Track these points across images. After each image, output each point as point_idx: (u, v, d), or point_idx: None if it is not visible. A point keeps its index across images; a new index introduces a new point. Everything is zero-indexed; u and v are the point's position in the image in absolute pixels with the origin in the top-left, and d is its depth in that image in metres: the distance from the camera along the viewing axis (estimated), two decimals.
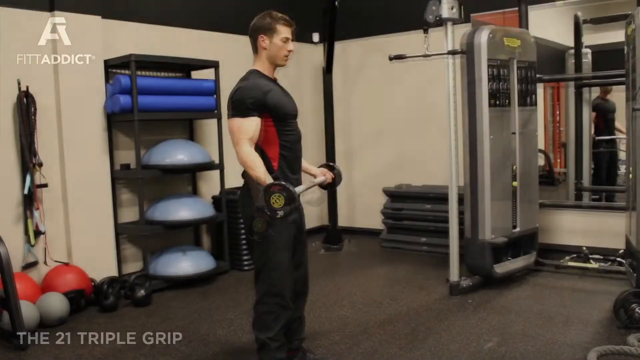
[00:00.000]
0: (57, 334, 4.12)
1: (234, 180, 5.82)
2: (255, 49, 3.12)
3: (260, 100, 2.94)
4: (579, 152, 6.10)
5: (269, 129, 3.00)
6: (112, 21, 5.24)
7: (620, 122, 6.17)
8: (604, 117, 6.30)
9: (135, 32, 5.45)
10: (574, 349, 3.56)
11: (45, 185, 4.70)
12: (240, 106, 2.93)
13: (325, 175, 3.36)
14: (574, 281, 5.01)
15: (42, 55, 4.76)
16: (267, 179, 2.87)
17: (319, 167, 3.44)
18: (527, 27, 5.43)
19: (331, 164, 3.48)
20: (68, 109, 4.84)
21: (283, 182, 2.78)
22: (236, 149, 2.95)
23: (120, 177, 5.30)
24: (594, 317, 4.11)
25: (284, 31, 3.08)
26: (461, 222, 4.87)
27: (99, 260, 5.02)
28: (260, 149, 3.00)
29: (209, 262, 5.39)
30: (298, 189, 2.84)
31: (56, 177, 4.85)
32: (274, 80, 3.14)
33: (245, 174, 3.09)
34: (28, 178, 4.54)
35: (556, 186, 6.49)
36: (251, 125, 2.93)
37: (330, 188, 3.47)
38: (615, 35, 5.32)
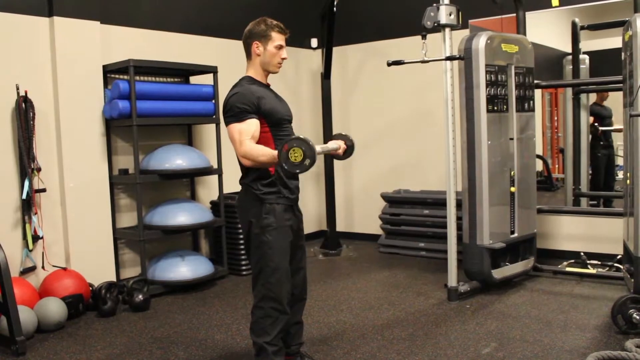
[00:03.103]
0: (55, 339, 4.14)
1: (232, 185, 5.82)
2: (249, 54, 3.14)
3: (255, 105, 2.96)
4: (577, 157, 6.11)
5: (264, 134, 3.02)
6: (110, 26, 5.26)
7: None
8: (601, 123, 6.31)
9: (133, 37, 5.46)
10: (571, 355, 3.56)
11: (44, 190, 4.71)
12: (236, 112, 2.95)
13: (339, 144, 3.29)
14: (572, 286, 5.02)
15: (41, 60, 4.78)
16: (275, 153, 2.85)
17: (332, 138, 3.40)
18: (524, 33, 5.45)
19: (344, 134, 3.40)
20: (67, 113, 4.85)
21: (300, 136, 2.76)
22: (241, 152, 2.94)
23: (118, 182, 5.31)
24: (592, 322, 4.12)
25: (278, 38, 3.10)
26: (459, 227, 4.87)
27: (97, 265, 5.02)
28: None
29: (207, 267, 5.39)
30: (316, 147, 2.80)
31: (54, 182, 4.85)
32: (267, 86, 3.16)
33: (243, 179, 3.10)
34: (26, 183, 4.55)
35: (554, 191, 6.49)
36: (251, 126, 2.94)
37: (343, 157, 3.40)
38: (613, 42, 5.34)
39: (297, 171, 2.74)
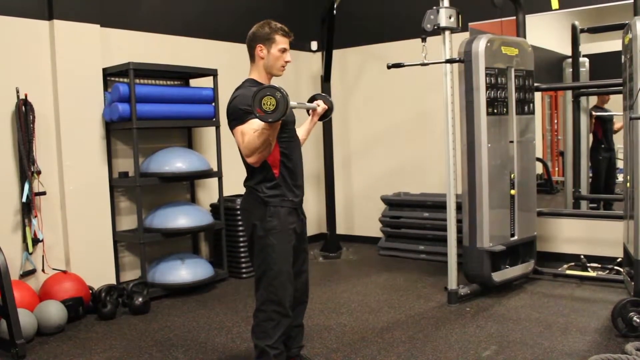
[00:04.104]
0: (55, 343, 4.13)
1: (232, 188, 5.85)
2: (253, 57, 3.13)
3: None
4: (577, 160, 6.11)
5: None
6: (110, 29, 5.26)
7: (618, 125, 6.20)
8: (603, 126, 6.32)
9: (133, 40, 5.46)
10: (571, 357, 3.56)
11: (44, 193, 4.70)
12: (239, 114, 2.93)
13: (317, 103, 3.37)
14: (572, 289, 5.02)
15: (41, 64, 4.78)
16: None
17: (311, 99, 3.45)
18: (524, 36, 5.45)
19: (324, 94, 3.46)
20: (66, 117, 4.85)
21: (274, 85, 2.70)
22: (243, 149, 2.90)
23: (118, 185, 5.31)
24: (592, 325, 4.11)
25: (282, 42, 3.09)
26: (459, 230, 4.87)
27: (97, 268, 5.02)
28: None
29: (207, 270, 5.39)
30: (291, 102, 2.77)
31: (54, 185, 4.85)
32: None
33: (247, 182, 3.09)
34: (26, 186, 4.55)
35: (554, 194, 6.50)
36: (253, 125, 2.88)
37: (321, 118, 3.46)
38: (613, 44, 5.34)
39: (270, 120, 2.66)
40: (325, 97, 3.44)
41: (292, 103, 2.80)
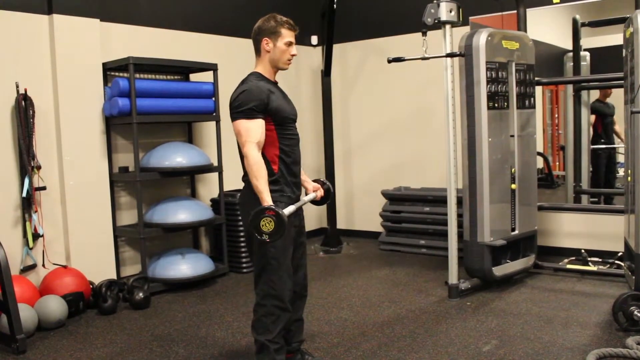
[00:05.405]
0: (56, 337, 4.14)
1: (232, 182, 5.84)
2: (258, 51, 3.12)
3: (264, 102, 2.94)
4: (578, 154, 6.10)
5: (269, 132, 3.01)
6: (110, 24, 5.25)
7: (619, 125, 6.18)
8: (603, 120, 6.31)
9: (133, 34, 5.45)
10: (572, 352, 3.56)
11: (44, 188, 4.70)
12: (245, 109, 2.93)
13: (316, 192, 3.35)
14: (573, 284, 5.02)
15: (41, 58, 4.77)
16: (266, 194, 2.87)
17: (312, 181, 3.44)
18: (525, 30, 5.44)
19: (322, 179, 3.48)
20: (66, 111, 4.85)
21: (277, 209, 2.75)
22: (244, 151, 2.93)
23: (118, 179, 5.30)
24: (593, 319, 4.11)
25: (288, 35, 3.08)
26: (460, 225, 4.87)
27: (97, 263, 5.02)
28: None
29: (208, 265, 5.39)
30: (288, 210, 2.85)
31: (55, 180, 4.85)
32: (275, 83, 3.15)
33: (246, 177, 3.09)
34: (26, 181, 4.54)
35: (555, 189, 6.49)
36: (258, 128, 2.93)
37: (320, 204, 3.47)
38: (614, 38, 5.33)
39: (257, 236, 2.76)
40: (323, 181, 3.45)
41: (291, 208, 2.90)
